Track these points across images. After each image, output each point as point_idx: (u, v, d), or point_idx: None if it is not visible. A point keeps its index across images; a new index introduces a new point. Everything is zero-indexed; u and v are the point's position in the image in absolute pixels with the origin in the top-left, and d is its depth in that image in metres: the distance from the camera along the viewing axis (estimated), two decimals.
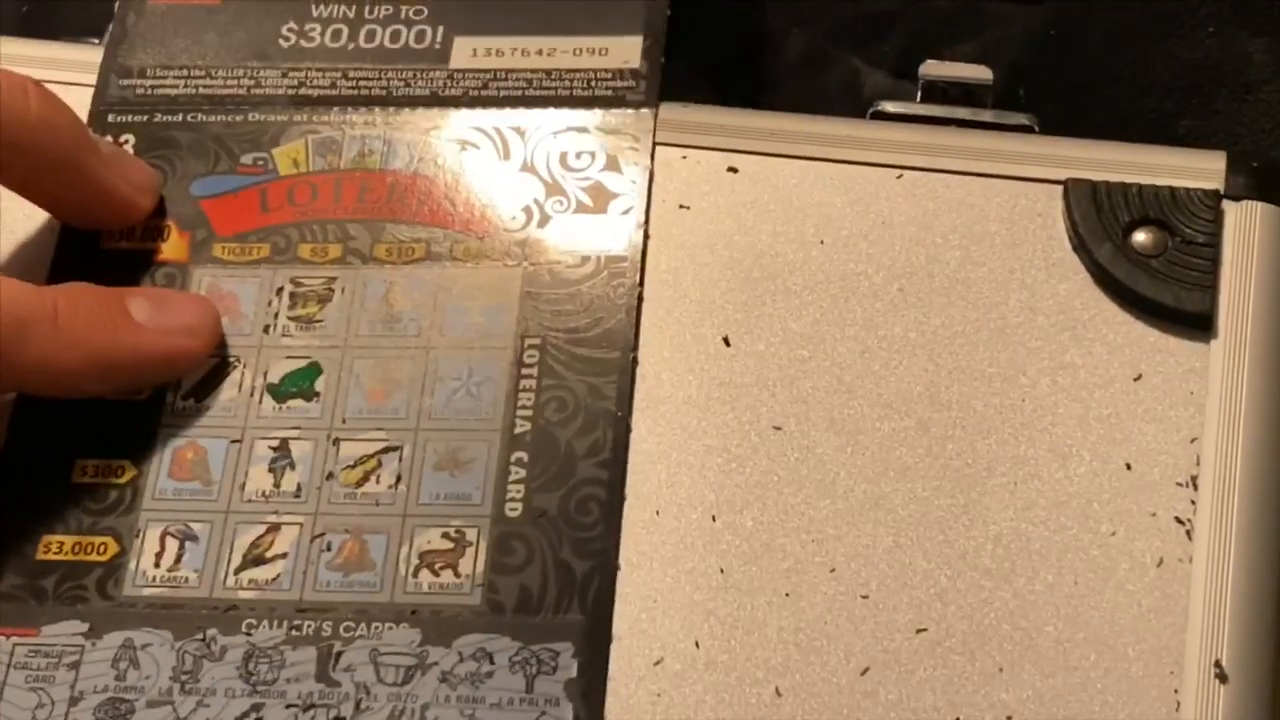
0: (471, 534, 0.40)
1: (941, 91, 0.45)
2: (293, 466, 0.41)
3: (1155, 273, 0.41)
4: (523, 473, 0.40)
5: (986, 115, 0.45)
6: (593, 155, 0.44)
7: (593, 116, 0.45)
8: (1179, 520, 0.39)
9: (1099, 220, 0.42)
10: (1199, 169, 0.43)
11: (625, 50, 0.45)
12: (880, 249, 0.42)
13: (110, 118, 0.46)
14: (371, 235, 0.44)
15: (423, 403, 0.41)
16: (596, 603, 0.39)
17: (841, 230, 0.43)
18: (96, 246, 0.44)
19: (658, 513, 0.40)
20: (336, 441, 0.41)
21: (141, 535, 0.41)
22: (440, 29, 0.46)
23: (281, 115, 0.46)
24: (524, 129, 0.45)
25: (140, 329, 0.42)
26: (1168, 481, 0.40)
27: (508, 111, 0.45)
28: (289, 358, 0.43)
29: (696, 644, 0.39)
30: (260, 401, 0.42)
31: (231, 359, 0.43)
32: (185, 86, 0.46)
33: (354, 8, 0.47)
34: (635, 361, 0.41)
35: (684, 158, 0.44)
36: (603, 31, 0.46)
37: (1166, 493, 0.39)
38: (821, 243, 0.43)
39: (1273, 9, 0.54)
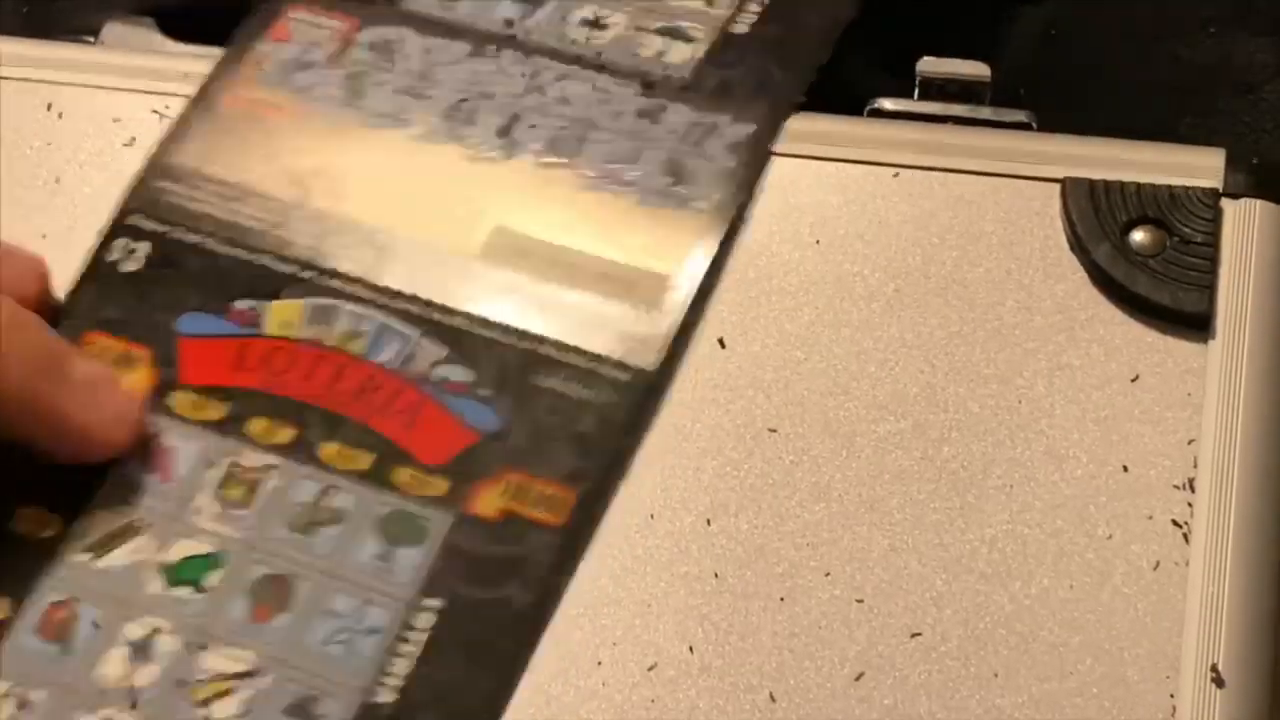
0: None
1: (939, 89, 0.45)
2: (151, 661, 0.39)
3: (1153, 272, 0.41)
4: None
5: (984, 112, 0.45)
6: (570, 410, 0.41)
7: (585, 370, 0.41)
8: (1176, 523, 0.39)
9: (1097, 219, 0.42)
10: (1198, 167, 0.42)
11: (649, 289, 0.42)
12: (876, 248, 0.42)
13: (132, 219, 0.45)
14: (325, 430, 0.41)
15: (301, 635, 0.39)
16: None
17: (837, 230, 0.43)
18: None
19: (652, 516, 0.40)
20: (203, 647, 0.39)
21: None
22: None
23: (291, 267, 0.43)
24: (515, 357, 0.42)
25: (73, 392, 0.40)
26: (1165, 484, 0.39)
27: (508, 333, 0.42)
28: (196, 539, 0.40)
29: (690, 649, 0.38)
30: (150, 579, 0.40)
31: (143, 522, 0.40)
32: (214, 207, 0.45)
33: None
34: (529, 653, 0.38)
35: None
36: (642, 254, 0.43)
37: (1163, 495, 0.39)
38: (817, 242, 0.42)
39: (1274, 9, 0.54)
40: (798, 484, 0.40)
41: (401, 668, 0.38)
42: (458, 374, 0.41)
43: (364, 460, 0.41)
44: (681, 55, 0.46)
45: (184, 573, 0.40)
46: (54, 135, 0.47)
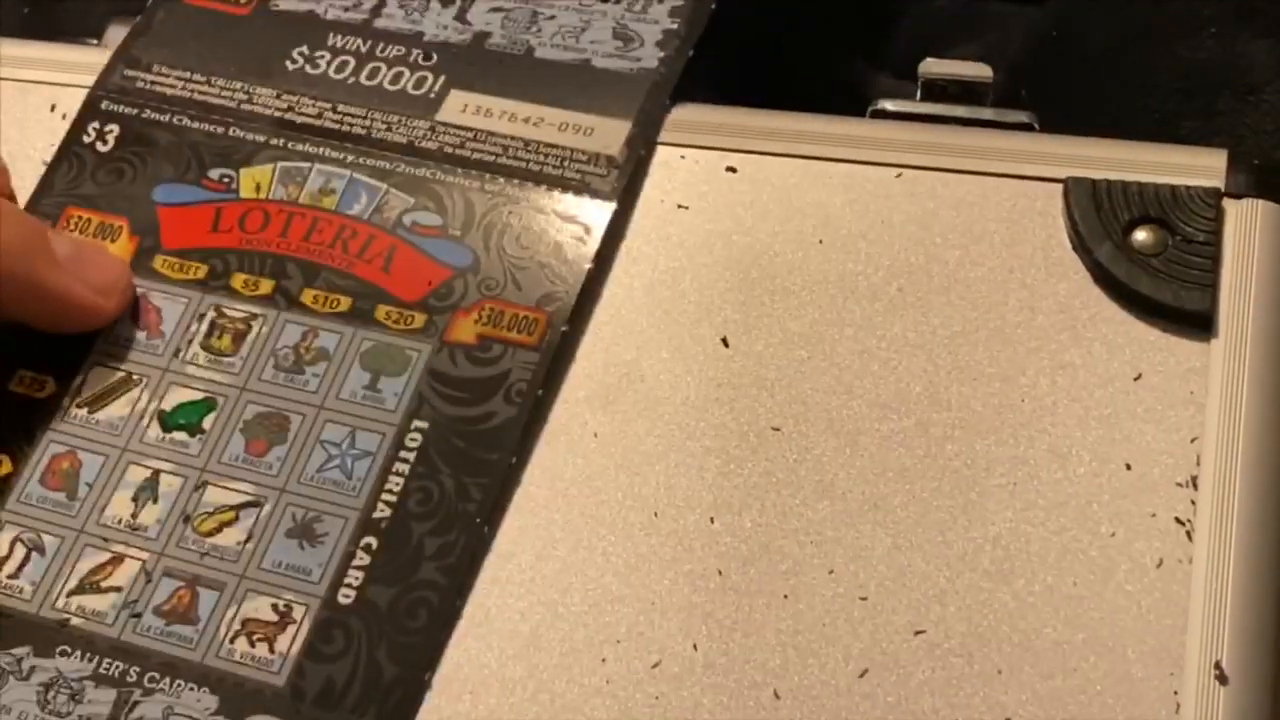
0: (298, 612, 0.39)
1: (941, 89, 0.45)
2: (155, 500, 0.41)
3: (1155, 271, 0.41)
4: (367, 560, 0.40)
5: (986, 113, 0.45)
6: (540, 239, 0.43)
7: (553, 199, 0.44)
8: (1179, 521, 0.39)
9: (1099, 219, 0.42)
10: (1199, 167, 0.42)
11: (609, 135, 0.45)
12: (879, 248, 0.42)
13: (104, 104, 0.47)
14: (305, 278, 0.44)
15: (297, 464, 0.41)
16: (395, 714, 0.38)
17: (840, 230, 0.43)
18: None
19: (656, 514, 0.40)
20: (204, 484, 0.41)
21: None
22: (441, 79, 0.46)
23: (260, 135, 0.46)
24: (481, 198, 0.44)
25: (57, 267, 0.42)
26: (1168, 482, 0.39)
27: (473, 175, 0.45)
28: (188, 388, 0.43)
29: (695, 646, 0.38)
30: (148, 426, 0.42)
31: (136, 376, 0.43)
32: (182, 89, 0.47)
33: (368, 44, 0.47)
34: (514, 467, 0.41)
35: (682, 157, 0.44)
36: (596, 110, 0.45)
37: (1166, 493, 0.39)
38: (820, 242, 0.43)
39: (1275, 10, 0.54)
40: (801, 482, 0.40)
41: (394, 484, 0.40)
42: (428, 218, 0.44)
43: (343, 303, 0.43)
44: None
45: (180, 418, 0.42)
46: (57, 136, 0.47)
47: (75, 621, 0.40)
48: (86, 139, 0.47)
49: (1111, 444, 0.40)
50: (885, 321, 0.41)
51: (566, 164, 0.44)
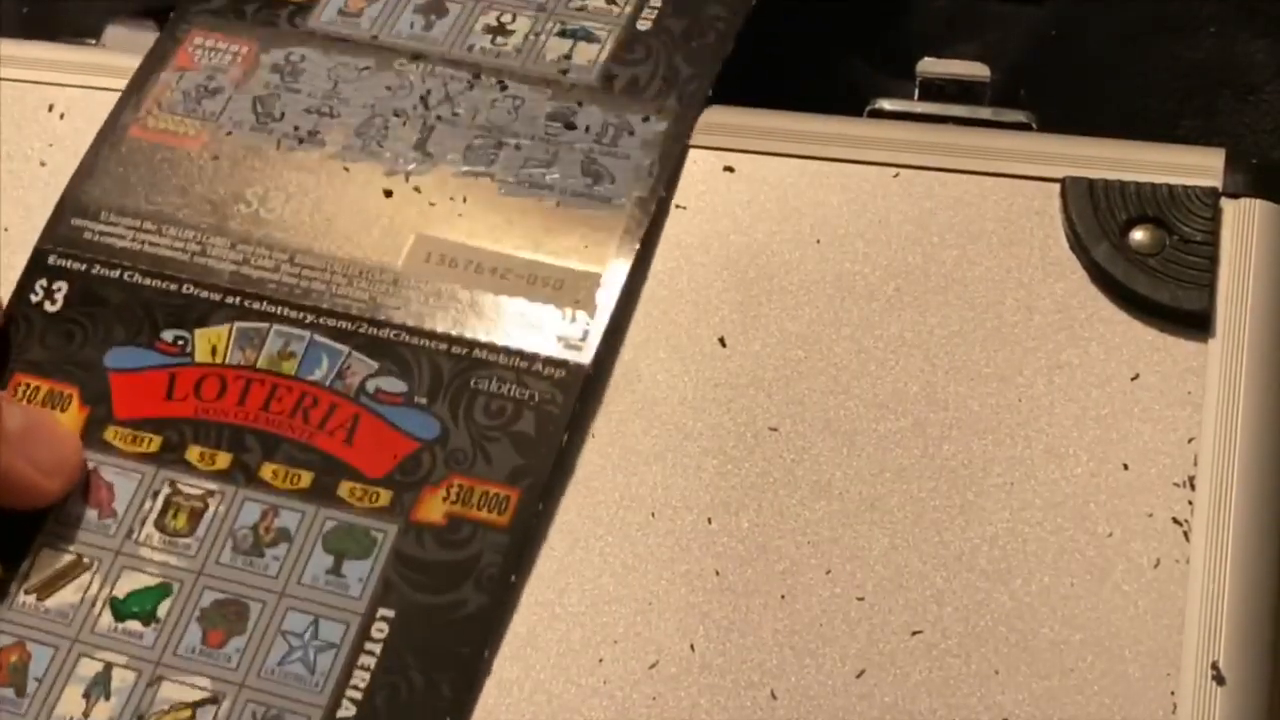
0: None
1: (939, 89, 0.45)
2: (107, 697, 0.39)
3: (1153, 271, 0.41)
4: None
5: (984, 112, 0.45)
6: (510, 406, 0.41)
7: (523, 363, 0.42)
8: (1176, 521, 0.39)
9: (1096, 219, 0.42)
10: (1197, 166, 0.42)
11: (579, 288, 0.42)
12: (876, 248, 0.42)
13: (51, 259, 0.45)
14: (264, 450, 0.41)
15: (257, 656, 0.39)
16: None
17: (838, 229, 0.43)
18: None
19: (653, 515, 0.40)
20: (158, 679, 0.39)
21: None
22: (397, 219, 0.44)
23: (215, 295, 0.44)
24: (448, 362, 0.42)
25: (5, 441, 0.40)
26: (1165, 482, 0.39)
27: (439, 339, 0.42)
28: (142, 572, 0.40)
29: (692, 647, 0.38)
30: (100, 614, 0.40)
31: (87, 559, 0.41)
32: (132, 239, 0.45)
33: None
34: (486, 660, 0.39)
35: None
36: (568, 254, 0.43)
37: (1164, 493, 0.39)
38: (818, 242, 0.43)
39: (1274, 10, 0.54)
40: (799, 482, 0.40)
41: (360, 679, 0.38)
42: (392, 385, 0.42)
43: (304, 479, 0.41)
44: (588, 56, 0.46)
45: (133, 605, 0.40)
46: (55, 136, 0.47)
47: None
48: (34, 298, 0.44)
49: (1109, 444, 0.40)
50: (882, 321, 0.41)
51: (537, 326, 0.42)
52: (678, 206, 0.43)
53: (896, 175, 0.43)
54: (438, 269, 0.43)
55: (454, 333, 0.42)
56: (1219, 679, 0.37)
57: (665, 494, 0.40)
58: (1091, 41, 0.55)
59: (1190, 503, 0.39)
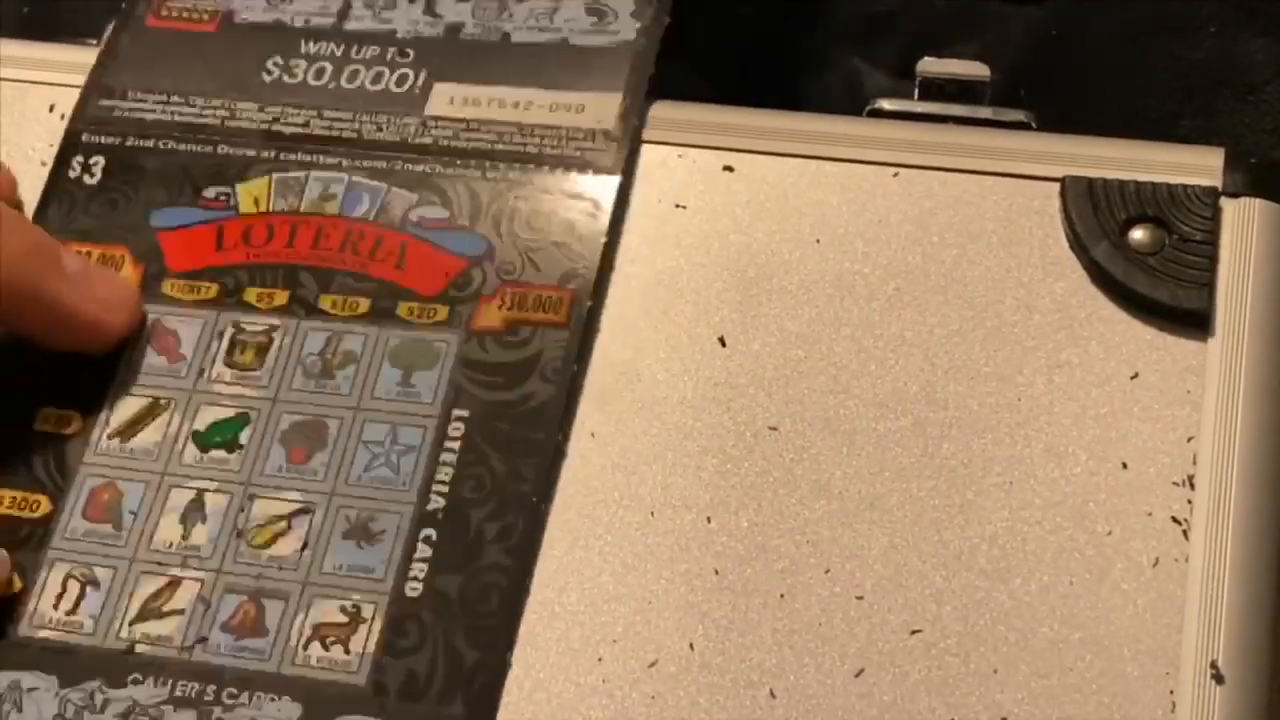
0: (368, 610, 0.39)
1: (939, 89, 0.45)
2: (204, 520, 0.41)
3: (1152, 270, 0.41)
4: (429, 551, 0.40)
5: (984, 112, 0.45)
6: (551, 219, 0.43)
7: (557, 179, 0.44)
8: (1175, 520, 0.39)
9: (1096, 218, 0.42)
10: (1196, 166, 0.42)
11: (601, 109, 0.45)
12: (876, 248, 0.42)
13: (85, 136, 0.47)
14: (319, 284, 0.44)
15: (342, 466, 0.41)
16: (481, 698, 0.38)
17: (837, 229, 0.43)
18: None
19: (653, 514, 0.40)
20: (251, 498, 0.41)
21: (46, 574, 0.41)
22: (422, 74, 0.46)
23: (250, 150, 0.46)
24: (485, 187, 0.44)
25: (66, 282, 0.41)
26: (1164, 481, 0.39)
27: (473, 165, 0.45)
28: (219, 406, 0.42)
29: (691, 646, 0.38)
30: (184, 449, 0.42)
31: (162, 401, 0.42)
32: (162, 112, 0.47)
33: (342, 47, 0.47)
34: (563, 442, 0.41)
35: (679, 156, 0.44)
36: (583, 86, 0.45)
37: (1163, 492, 0.39)
38: (817, 241, 0.43)
39: (1274, 9, 0.54)
40: (798, 481, 0.40)
41: (444, 474, 0.40)
42: (434, 212, 0.44)
43: (363, 305, 0.43)
44: None
45: (215, 436, 0.42)
46: (56, 137, 0.47)
47: (142, 649, 0.39)
48: (73, 174, 0.46)
49: (1108, 443, 0.40)
50: (882, 321, 0.41)
51: (564, 143, 0.44)
52: (677, 206, 0.43)
53: (896, 175, 0.43)
54: (462, 108, 0.46)
55: (486, 159, 0.45)
56: (1218, 678, 0.37)
57: (665, 493, 0.40)
58: (1091, 41, 0.55)
59: (1189, 502, 0.39)
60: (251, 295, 0.44)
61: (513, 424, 0.41)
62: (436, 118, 0.46)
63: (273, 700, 0.38)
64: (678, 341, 0.42)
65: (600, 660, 0.38)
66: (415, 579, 0.39)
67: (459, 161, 0.45)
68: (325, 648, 0.39)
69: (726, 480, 0.40)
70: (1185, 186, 0.42)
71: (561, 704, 0.38)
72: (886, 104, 0.45)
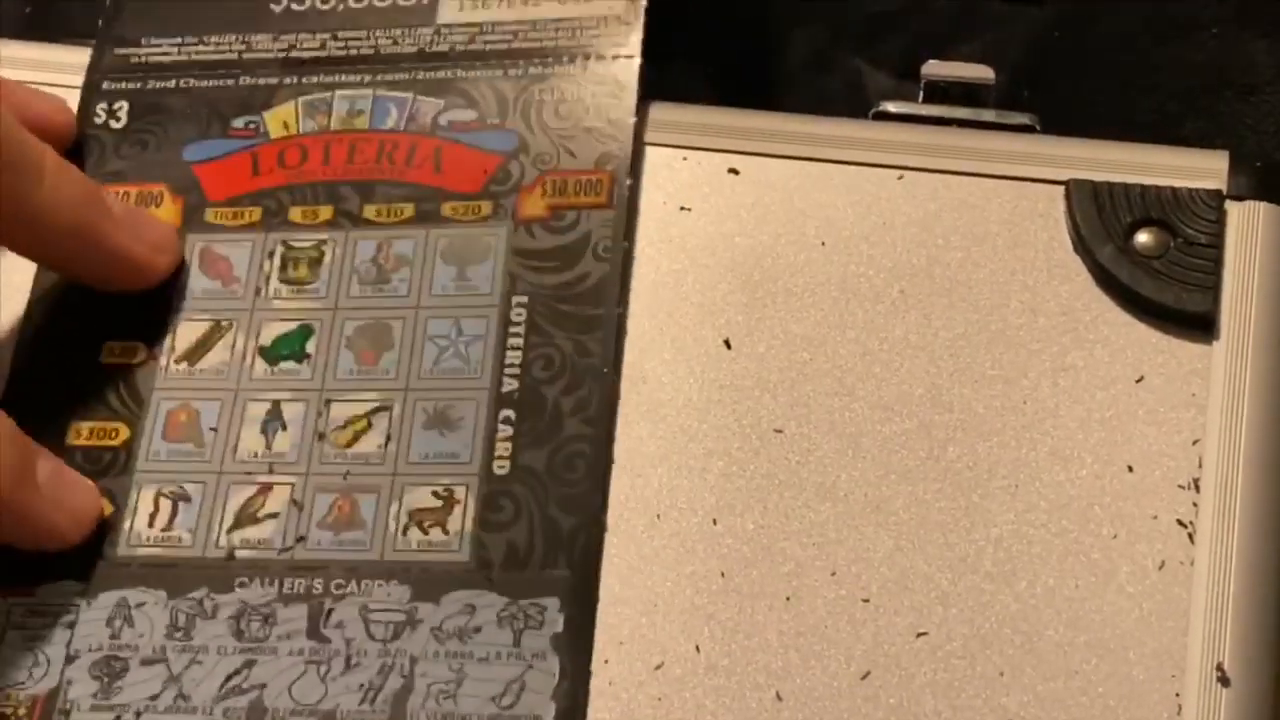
0: (460, 492, 0.40)
1: (943, 91, 0.45)
2: (284, 428, 0.42)
3: (1157, 273, 0.41)
4: (510, 430, 0.41)
5: (988, 115, 0.45)
6: (577, 107, 0.44)
7: (577, 69, 0.45)
8: (1181, 523, 0.39)
9: (1100, 221, 0.42)
10: (1201, 169, 0.42)
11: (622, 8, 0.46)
12: (881, 250, 0.42)
13: (105, 85, 0.47)
14: (361, 196, 0.44)
15: (412, 363, 0.42)
16: (583, 558, 0.39)
17: (843, 232, 0.43)
18: None
19: (658, 516, 0.40)
20: (328, 403, 0.42)
21: (136, 496, 0.41)
22: None
23: (272, 79, 0.46)
24: (508, 85, 0.45)
25: (116, 223, 0.42)
26: (1169, 484, 0.39)
27: (494, 65, 0.45)
28: (280, 320, 0.43)
29: (697, 648, 0.38)
30: (252, 365, 0.43)
31: (224, 322, 0.43)
32: (179, 53, 0.47)
33: None
34: (623, 316, 0.42)
35: (684, 159, 0.44)
36: None
37: (1168, 495, 0.39)
38: (823, 244, 0.43)
39: (1277, 11, 0.54)
40: (804, 484, 0.40)
41: (514, 358, 0.41)
42: (463, 115, 0.45)
43: (407, 210, 0.44)
44: None
45: (282, 349, 0.43)
46: None
47: (243, 554, 0.40)
48: (98, 120, 0.46)
49: (1113, 446, 0.40)
50: (887, 324, 0.41)
51: (578, 34, 0.45)
52: (682, 209, 0.43)
53: (901, 177, 0.43)
54: (473, 12, 0.46)
55: (506, 59, 0.46)
56: (1224, 680, 0.37)
57: (670, 496, 0.40)
58: (1093, 42, 0.55)
59: (1195, 504, 0.39)
60: (296, 214, 0.44)
61: (572, 304, 0.42)
62: (450, 25, 0.46)
63: (380, 585, 0.39)
64: (683, 344, 0.42)
65: (606, 663, 0.38)
66: (501, 459, 0.40)
67: (479, 64, 0.45)
68: (424, 531, 0.40)
69: (732, 483, 0.40)
70: (1190, 190, 0.42)
71: None
72: (891, 106, 0.45)
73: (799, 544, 0.39)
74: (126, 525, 0.41)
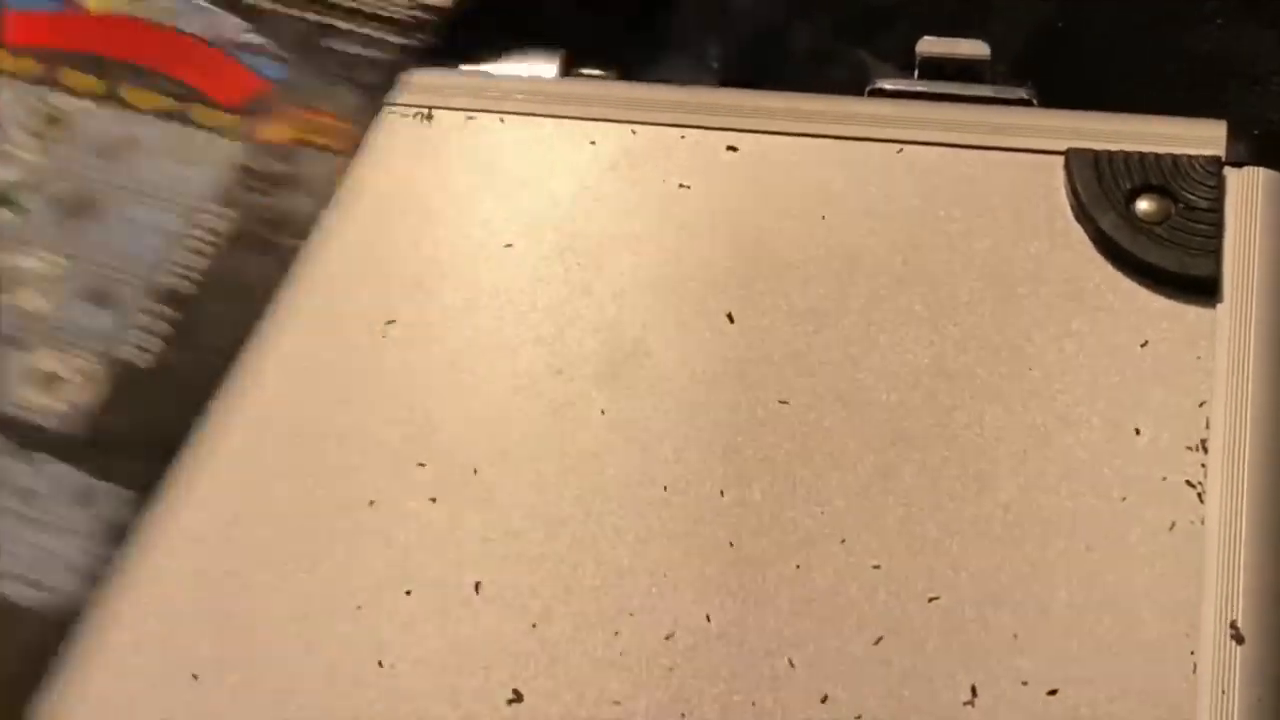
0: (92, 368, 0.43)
1: (938, 68, 0.45)
2: None
3: (1160, 239, 0.41)
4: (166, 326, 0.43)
5: (985, 89, 0.45)
6: (356, 71, 0.47)
7: (369, 45, 0.47)
8: (1190, 484, 0.39)
9: (1101, 189, 0.42)
10: (1199, 137, 0.42)
11: None
12: (883, 223, 0.43)
13: None
14: (132, 79, 0.47)
15: (107, 238, 0.45)
16: None
17: (843, 206, 0.43)
18: None
19: (666, 488, 0.40)
20: (23, 251, 0.45)
21: None
22: None
23: None
24: (302, 38, 0.48)
25: None
26: (1177, 446, 0.39)
27: (291, 23, 0.48)
28: (11, 168, 0.46)
29: (708, 618, 0.38)
30: None
31: None
32: None
33: None
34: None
35: (683, 138, 0.44)
36: None
37: (1176, 457, 0.39)
38: (823, 218, 0.43)
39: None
40: (810, 454, 0.40)
41: (199, 264, 0.44)
42: (257, 39, 0.47)
43: (165, 102, 0.46)
44: None
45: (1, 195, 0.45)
46: None
47: None
48: None
49: (1120, 410, 0.40)
50: (890, 295, 0.42)
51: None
52: (682, 186, 0.44)
53: (900, 151, 0.43)
54: None
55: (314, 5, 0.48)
56: (1238, 638, 0.37)
57: (678, 468, 0.40)
58: (1097, 33, 0.55)
59: (1203, 465, 0.39)
60: (70, 78, 0.47)
61: (275, 229, 0.44)
62: None
63: None
64: (686, 318, 0.42)
65: (617, 634, 0.38)
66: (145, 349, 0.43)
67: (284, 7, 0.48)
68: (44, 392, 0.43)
69: (739, 454, 0.40)
70: (1189, 156, 0.42)
71: (579, 677, 0.38)
72: (887, 84, 0.45)
73: (807, 513, 0.39)
74: None
